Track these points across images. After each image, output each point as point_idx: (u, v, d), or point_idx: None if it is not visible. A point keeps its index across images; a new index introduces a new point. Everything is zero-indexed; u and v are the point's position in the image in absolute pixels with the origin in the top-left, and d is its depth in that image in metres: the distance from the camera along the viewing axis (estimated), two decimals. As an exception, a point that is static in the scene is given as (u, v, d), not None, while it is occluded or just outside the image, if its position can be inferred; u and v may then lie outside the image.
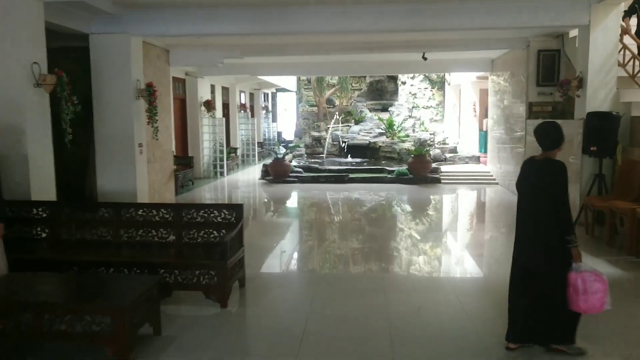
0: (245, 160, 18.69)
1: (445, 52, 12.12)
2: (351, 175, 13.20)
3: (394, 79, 21.86)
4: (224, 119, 14.70)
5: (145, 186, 8.60)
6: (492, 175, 13.24)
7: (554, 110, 10.10)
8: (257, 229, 8.52)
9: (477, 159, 15.23)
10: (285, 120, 27.36)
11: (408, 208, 10.32)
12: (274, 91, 25.36)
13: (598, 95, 7.65)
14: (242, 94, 20.05)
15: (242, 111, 18.62)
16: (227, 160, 15.06)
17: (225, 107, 18.00)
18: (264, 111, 22.51)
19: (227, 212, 5.01)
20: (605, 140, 7.21)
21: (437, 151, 15.23)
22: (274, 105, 25.76)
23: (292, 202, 11.27)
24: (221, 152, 14.63)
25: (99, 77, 8.01)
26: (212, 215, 5.03)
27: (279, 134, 24.53)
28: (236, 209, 5.02)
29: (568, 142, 7.97)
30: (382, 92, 22.26)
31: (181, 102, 14.08)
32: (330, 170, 13.80)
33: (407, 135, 17.67)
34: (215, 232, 5.02)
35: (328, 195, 11.63)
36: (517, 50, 10.83)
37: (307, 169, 13.97)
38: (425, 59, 11.84)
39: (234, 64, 13.75)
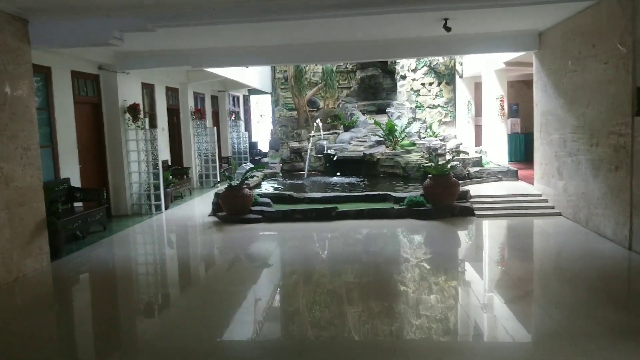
0: (204, 183, 14.39)
1: (474, 20, 8.02)
2: (341, 208, 8.95)
3: (390, 73, 17.71)
4: (157, 129, 10.40)
5: None
6: (545, 200, 9.06)
7: (682, 99, 5.93)
8: None
9: (513, 174, 11.04)
10: (263, 128, 23.14)
11: (439, 280, 6.06)
12: (246, 94, 21.10)
13: None
14: (201, 98, 15.76)
15: (198, 119, 14.34)
16: (166, 188, 10.74)
17: (174, 113, 13.72)
18: (232, 118, 18.24)
19: None
20: None
21: (456, 164, 11.02)
22: (246, 110, 21.49)
23: (236, 275, 6.98)
24: (156, 176, 10.31)
25: None
26: None
27: (253, 145, 20.26)
28: None
29: None
30: (376, 90, 18.10)
31: (93, 107, 9.77)
32: (310, 200, 9.52)
33: (414, 144, 13.47)
34: None
35: (302, 249, 7.37)
36: (605, 5, 6.67)
37: (277, 198, 9.68)
38: (448, 29, 7.73)
39: (163, 51, 9.54)
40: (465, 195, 9.17)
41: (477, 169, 11.39)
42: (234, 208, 8.96)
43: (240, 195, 8.91)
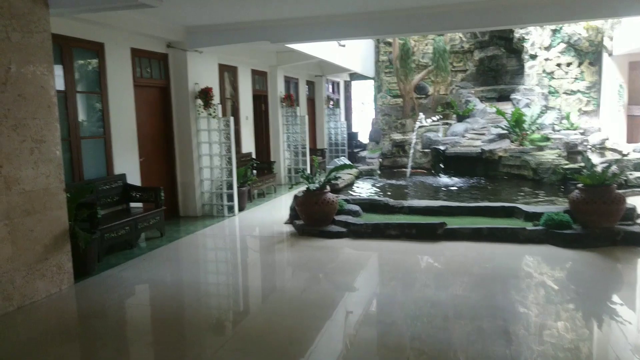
0: (292, 178, 12.81)
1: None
2: (451, 224, 6.76)
3: (516, 52, 14.82)
4: (231, 117, 8.87)
5: None
6: None
7: None
8: None
9: (696, 184, 8.01)
10: (365, 117, 21.21)
11: None
12: (347, 79, 19.25)
13: None
14: (295, 83, 14.19)
15: (288, 106, 12.75)
16: (242, 186, 9.24)
17: (261, 100, 12.25)
18: (330, 105, 16.49)
19: None
20: None
21: (618, 171, 8.18)
22: (347, 97, 19.66)
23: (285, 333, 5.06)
24: (229, 173, 8.83)
25: None
26: None
27: (352, 136, 18.38)
28: None
29: None
30: (498, 73, 15.32)
31: (161, 92, 8.48)
32: (410, 210, 7.43)
33: (547, 138, 10.72)
34: None
35: (390, 288, 5.33)
36: None
37: (368, 205, 7.72)
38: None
39: (238, 24, 7.97)
40: (632, 215, 6.51)
41: (639, 174, 8.49)
42: (312, 217, 7.15)
43: (320, 202, 7.08)
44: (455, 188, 9.66)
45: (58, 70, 6.32)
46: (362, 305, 4.75)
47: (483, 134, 11.85)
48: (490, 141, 11.23)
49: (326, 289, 5.31)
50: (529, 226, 6.51)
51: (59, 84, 6.32)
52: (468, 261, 5.87)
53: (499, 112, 11.41)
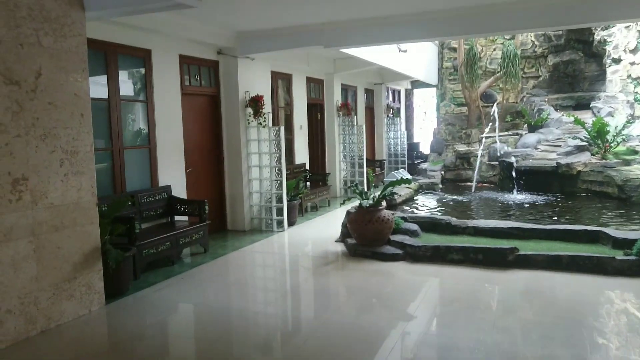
0: (348, 191, 12.20)
1: None
2: (523, 249, 5.91)
3: (596, 56, 13.54)
4: (281, 127, 8.38)
5: None
6: None
7: None
8: None
9: None
10: (427, 127, 20.32)
11: None
12: (408, 87, 18.45)
13: None
14: (353, 91, 13.64)
15: (345, 115, 12.20)
16: (292, 199, 8.73)
17: (316, 109, 11.78)
18: (390, 114, 15.78)
19: None
20: None
21: None
22: (408, 106, 18.85)
23: None
24: (279, 185, 8.36)
25: None
26: None
27: (414, 146, 17.54)
28: None
29: None
30: (574, 79, 14.08)
31: (210, 100, 8.16)
32: (476, 231, 6.62)
33: (635, 151, 9.51)
34: None
35: (449, 332, 4.60)
36: None
37: (428, 224, 6.97)
38: None
39: (291, 29, 7.54)
40: None
41: None
42: (365, 237, 6.52)
43: (374, 220, 6.42)
44: (527, 206, 8.70)
45: (102, 78, 6.11)
46: (416, 344, 4.05)
47: (558, 146, 10.75)
48: (567, 154, 10.12)
49: (376, 324, 4.64)
50: (619, 255, 5.55)
51: (103, 91, 6.10)
52: (544, 295, 5.03)
53: (578, 122, 10.28)
